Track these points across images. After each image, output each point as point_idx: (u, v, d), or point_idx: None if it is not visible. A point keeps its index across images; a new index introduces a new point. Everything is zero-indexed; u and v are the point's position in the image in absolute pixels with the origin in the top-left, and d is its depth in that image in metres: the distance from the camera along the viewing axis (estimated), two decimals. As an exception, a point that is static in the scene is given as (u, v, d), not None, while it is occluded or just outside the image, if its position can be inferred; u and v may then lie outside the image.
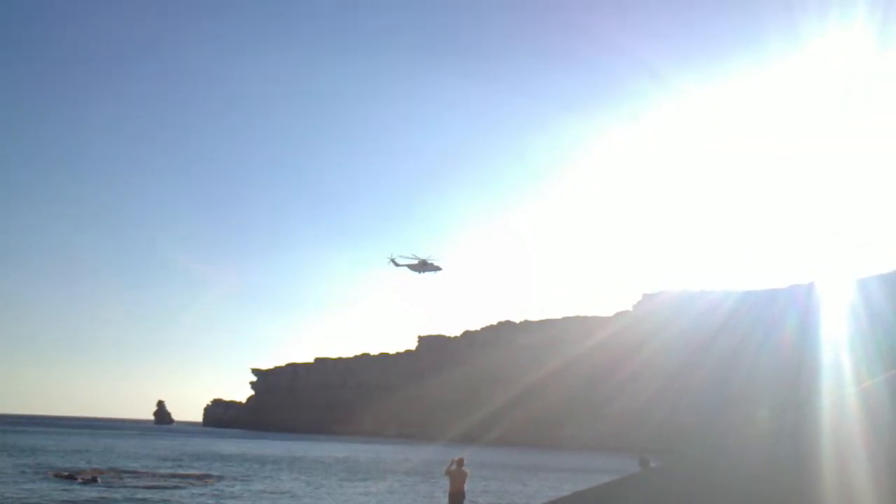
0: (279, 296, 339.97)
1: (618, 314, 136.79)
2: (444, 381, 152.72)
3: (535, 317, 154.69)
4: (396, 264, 64.12)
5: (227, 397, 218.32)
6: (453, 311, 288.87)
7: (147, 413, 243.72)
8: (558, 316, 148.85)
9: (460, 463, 18.51)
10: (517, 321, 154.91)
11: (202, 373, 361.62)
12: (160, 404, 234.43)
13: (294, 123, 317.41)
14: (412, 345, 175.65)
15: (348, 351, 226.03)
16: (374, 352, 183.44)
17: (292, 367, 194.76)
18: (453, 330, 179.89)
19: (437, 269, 65.63)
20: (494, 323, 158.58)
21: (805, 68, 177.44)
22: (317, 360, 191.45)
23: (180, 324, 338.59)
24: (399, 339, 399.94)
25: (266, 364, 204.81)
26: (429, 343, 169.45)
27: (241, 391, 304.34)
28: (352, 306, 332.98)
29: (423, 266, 64.34)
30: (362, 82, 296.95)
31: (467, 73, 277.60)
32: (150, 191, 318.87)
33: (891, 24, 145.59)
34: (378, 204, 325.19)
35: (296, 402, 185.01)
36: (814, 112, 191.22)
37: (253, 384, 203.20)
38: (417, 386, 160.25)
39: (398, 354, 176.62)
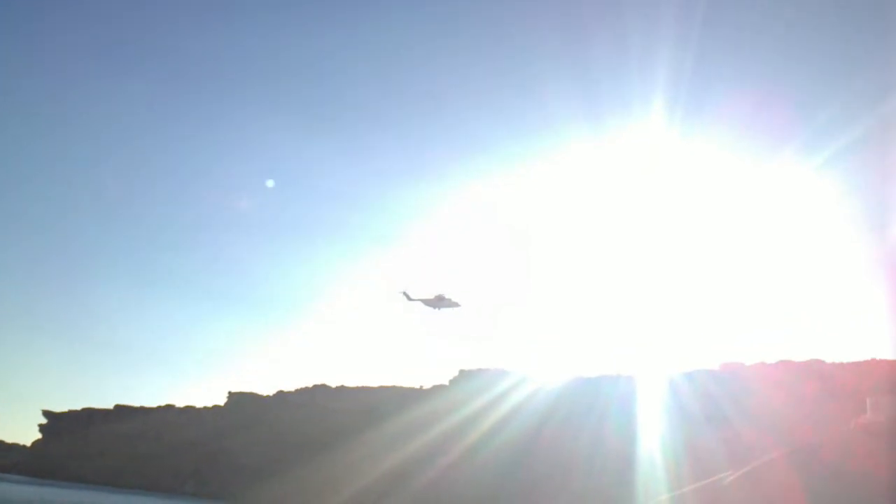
0: (79, 335, 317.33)
1: (434, 387, 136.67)
2: (251, 441, 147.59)
3: (351, 383, 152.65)
4: (409, 298, 60.77)
5: (9, 439, 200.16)
6: (267, 370, 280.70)
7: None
8: (375, 384, 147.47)
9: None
10: (333, 385, 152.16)
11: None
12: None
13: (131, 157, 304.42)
14: (221, 400, 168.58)
15: (154, 401, 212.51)
16: (180, 404, 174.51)
17: (89, 413, 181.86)
18: (266, 388, 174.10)
19: (456, 304, 62.81)
20: (310, 385, 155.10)
21: (606, 157, 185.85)
22: (117, 407, 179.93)
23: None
24: (208, 394, 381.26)
25: (60, 406, 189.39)
26: (238, 400, 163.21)
27: (26, 434, 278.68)
28: (161, 355, 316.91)
29: (439, 301, 61.15)
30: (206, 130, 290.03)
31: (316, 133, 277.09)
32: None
33: (691, 116, 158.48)
34: (205, 253, 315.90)
35: (90, 450, 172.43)
36: (621, 200, 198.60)
37: (42, 427, 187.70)
38: (222, 443, 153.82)
39: (205, 409, 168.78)
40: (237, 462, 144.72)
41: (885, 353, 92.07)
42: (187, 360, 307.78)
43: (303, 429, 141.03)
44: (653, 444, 76.88)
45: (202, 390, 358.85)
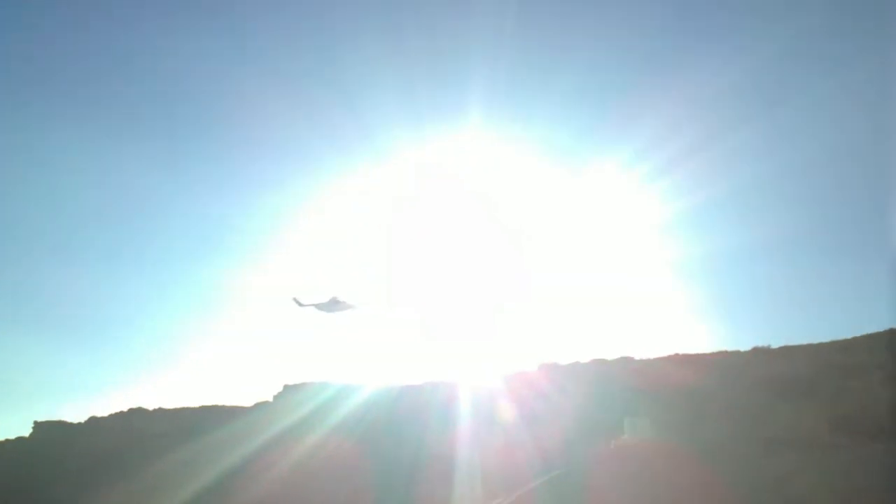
0: None
1: (257, 404, 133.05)
2: (60, 473, 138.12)
3: (170, 404, 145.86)
4: (300, 304, 56.46)
5: None
6: (79, 398, 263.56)
7: None
8: (196, 405, 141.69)
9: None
10: (150, 408, 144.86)
11: None
12: None
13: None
14: (26, 431, 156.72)
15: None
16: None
17: None
18: (78, 415, 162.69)
19: (351, 306, 59.10)
20: (125, 409, 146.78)
21: (428, 164, 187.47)
22: None
23: None
24: (10, 426, 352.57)
25: None
26: (46, 429, 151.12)
27: None
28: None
29: (333, 305, 57.22)
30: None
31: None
32: None
33: (508, 121, 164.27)
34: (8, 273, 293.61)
35: None
36: (443, 207, 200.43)
37: None
38: (27, 478, 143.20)
39: (7, 442, 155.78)
40: (44, 496, 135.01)
41: (685, 348, 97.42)
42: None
43: (117, 454, 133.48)
44: (471, 450, 78.13)
45: (3, 422, 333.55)
